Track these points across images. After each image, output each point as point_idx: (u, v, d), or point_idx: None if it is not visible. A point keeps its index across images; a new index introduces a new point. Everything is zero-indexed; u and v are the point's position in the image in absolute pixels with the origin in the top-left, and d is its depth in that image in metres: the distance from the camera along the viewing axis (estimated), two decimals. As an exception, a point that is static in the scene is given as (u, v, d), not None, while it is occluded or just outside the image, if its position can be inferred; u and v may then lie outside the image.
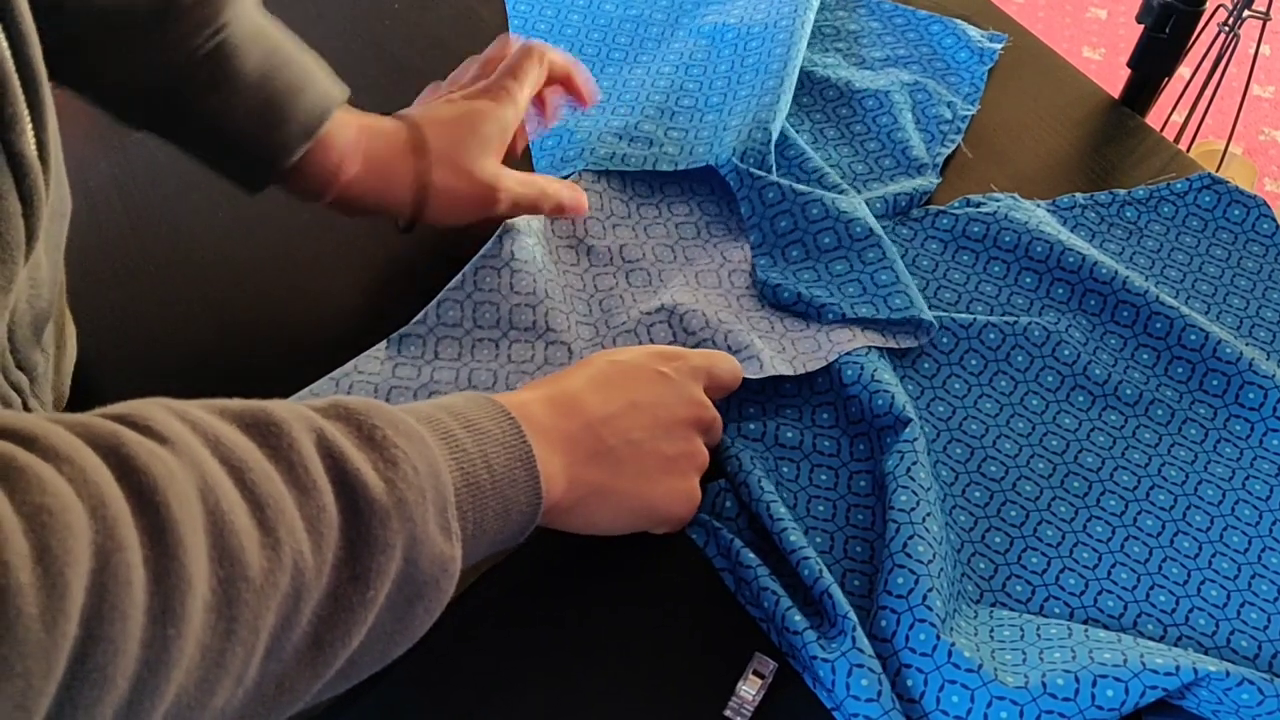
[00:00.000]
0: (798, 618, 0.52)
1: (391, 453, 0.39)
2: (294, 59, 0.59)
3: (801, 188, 0.69)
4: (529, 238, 0.67)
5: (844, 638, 0.51)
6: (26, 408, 0.50)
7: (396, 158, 0.61)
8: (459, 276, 0.65)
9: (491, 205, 0.64)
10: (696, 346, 0.63)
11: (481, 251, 0.66)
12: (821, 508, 0.59)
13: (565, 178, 0.73)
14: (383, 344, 0.63)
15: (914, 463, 0.57)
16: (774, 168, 0.71)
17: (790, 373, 0.61)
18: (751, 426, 0.61)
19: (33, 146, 0.42)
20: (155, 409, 0.35)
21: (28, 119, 0.42)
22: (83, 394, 0.60)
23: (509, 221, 0.68)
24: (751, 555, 0.55)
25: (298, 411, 0.39)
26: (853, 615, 0.52)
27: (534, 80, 0.65)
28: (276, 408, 0.38)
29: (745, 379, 0.61)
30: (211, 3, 0.56)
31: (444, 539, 0.40)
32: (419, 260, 0.69)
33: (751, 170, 0.69)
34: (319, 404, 0.40)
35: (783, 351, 0.63)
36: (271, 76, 0.57)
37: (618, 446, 0.51)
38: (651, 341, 0.65)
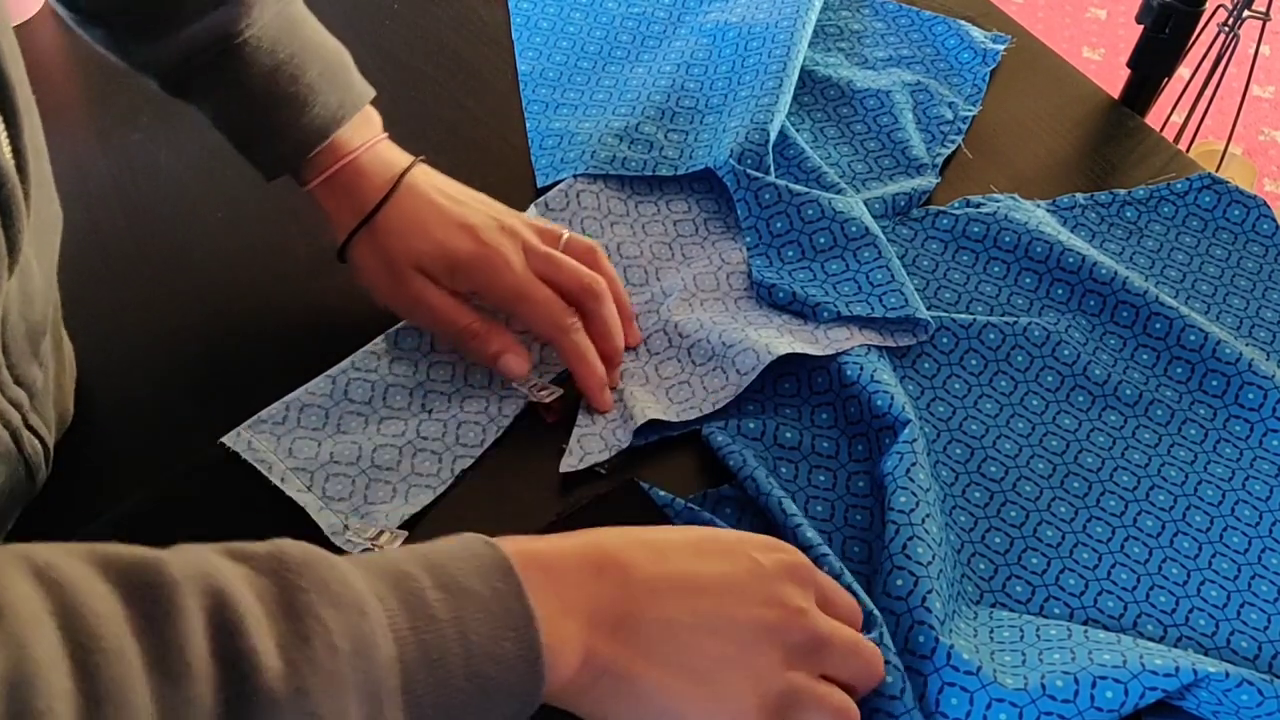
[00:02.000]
0: None
1: (307, 625, 0.33)
2: (306, 70, 0.59)
3: (798, 188, 0.69)
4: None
5: (869, 634, 0.51)
6: (27, 425, 0.49)
7: (346, 210, 0.61)
8: None
9: (406, 312, 0.62)
10: (691, 349, 0.64)
11: None
12: (820, 508, 0.59)
13: (564, 178, 0.73)
14: (380, 339, 0.63)
15: (913, 463, 0.57)
16: (772, 168, 0.71)
17: (788, 350, 0.61)
18: (751, 426, 0.61)
19: (9, 155, 0.42)
20: (8, 566, 0.30)
21: (2, 128, 0.42)
22: (81, 402, 0.60)
23: None
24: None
25: (203, 568, 0.33)
26: (878, 613, 0.51)
27: (555, 313, 0.59)
28: (175, 563, 0.33)
29: (744, 374, 0.61)
30: (231, 7, 0.57)
31: None
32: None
33: (749, 171, 0.69)
34: (256, 549, 0.35)
35: (780, 336, 0.63)
36: (274, 90, 0.58)
37: (656, 628, 0.41)
38: (647, 348, 0.65)
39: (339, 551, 0.54)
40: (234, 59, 0.58)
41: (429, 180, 0.62)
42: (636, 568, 0.42)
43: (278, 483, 0.56)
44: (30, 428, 0.50)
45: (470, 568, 0.38)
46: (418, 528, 0.57)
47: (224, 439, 0.58)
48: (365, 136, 0.62)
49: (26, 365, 0.48)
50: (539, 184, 0.73)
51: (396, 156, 0.62)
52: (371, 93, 0.63)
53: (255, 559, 0.35)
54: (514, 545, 0.40)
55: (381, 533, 0.55)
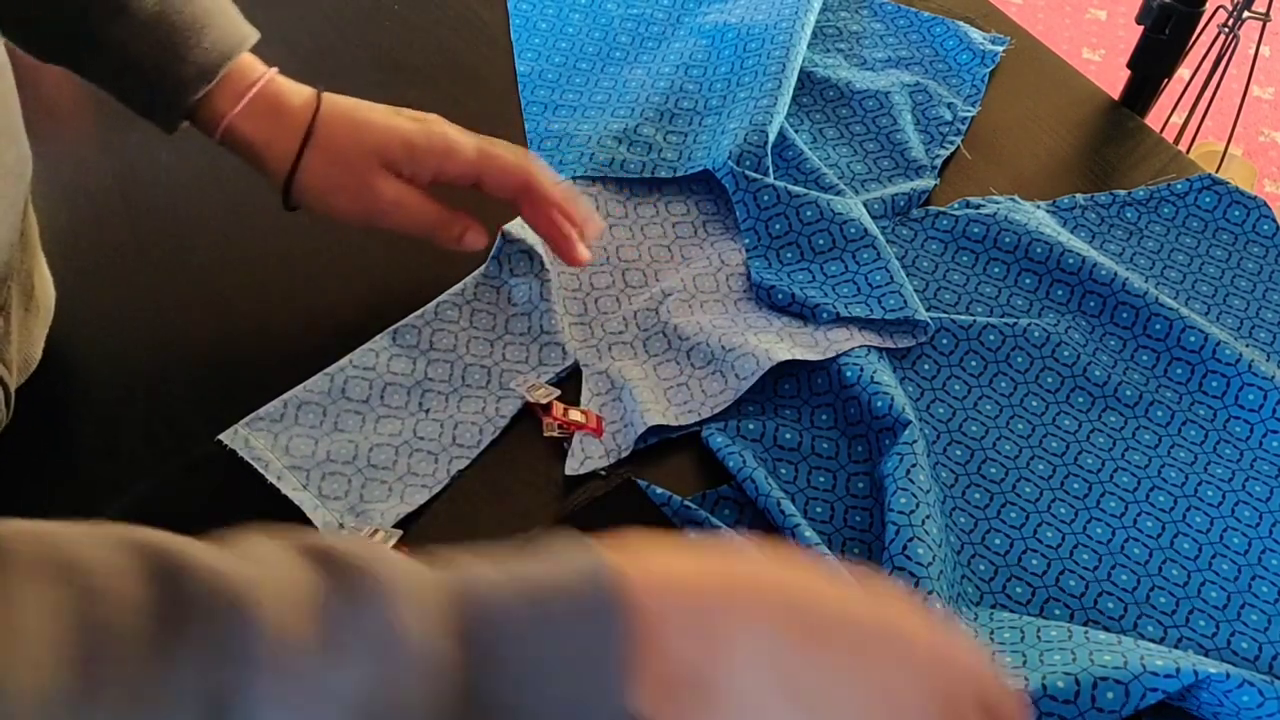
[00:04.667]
0: None
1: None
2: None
3: (797, 190, 0.69)
4: (527, 244, 0.67)
5: None
6: None
7: (280, 132, 0.58)
8: (459, 285, 0.66)
9: (370, 213, 0.59)
10: (690, 351, 0.63)
11: (481, 270, 0.66)
12: (819, 509, 0.59)
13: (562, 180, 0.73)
14: (380, 336, 0.63)
15: (913, 465, 0.57)
16: (771, 170, 0.71)
17: (788, 356, 0.61)
18: (750, 427, 0.61)
19: None
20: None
21: None
22: (81, 401, 0.60)
23: (506, 228, 0.68)
24: (751, 556, 0.55)
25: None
26: None
27: (482, 156, 0.59)
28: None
29: (743, 378, 0.61)
30: None
31: None
32: (419, 262, 0.69)
33: (747, 173, 0.69)
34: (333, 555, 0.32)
35: (780, 342, 0.63)
36: (169, 13, 0.55)
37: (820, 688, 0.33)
38: (646, 349, 0.64)
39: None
40: None
41: (339, 96, 0.61)
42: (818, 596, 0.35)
43: (274, 480, 0.56)
44: None
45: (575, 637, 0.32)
46: (413, 527, 0.57)
47: (221, 436, 0.58)
48: (263, 66, 0.59)
49: None
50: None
51: (293, 82, 0.60)
52: (256, 32, 0.60)
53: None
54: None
55: (376, 531, 0.55)
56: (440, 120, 0.60)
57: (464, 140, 0.59)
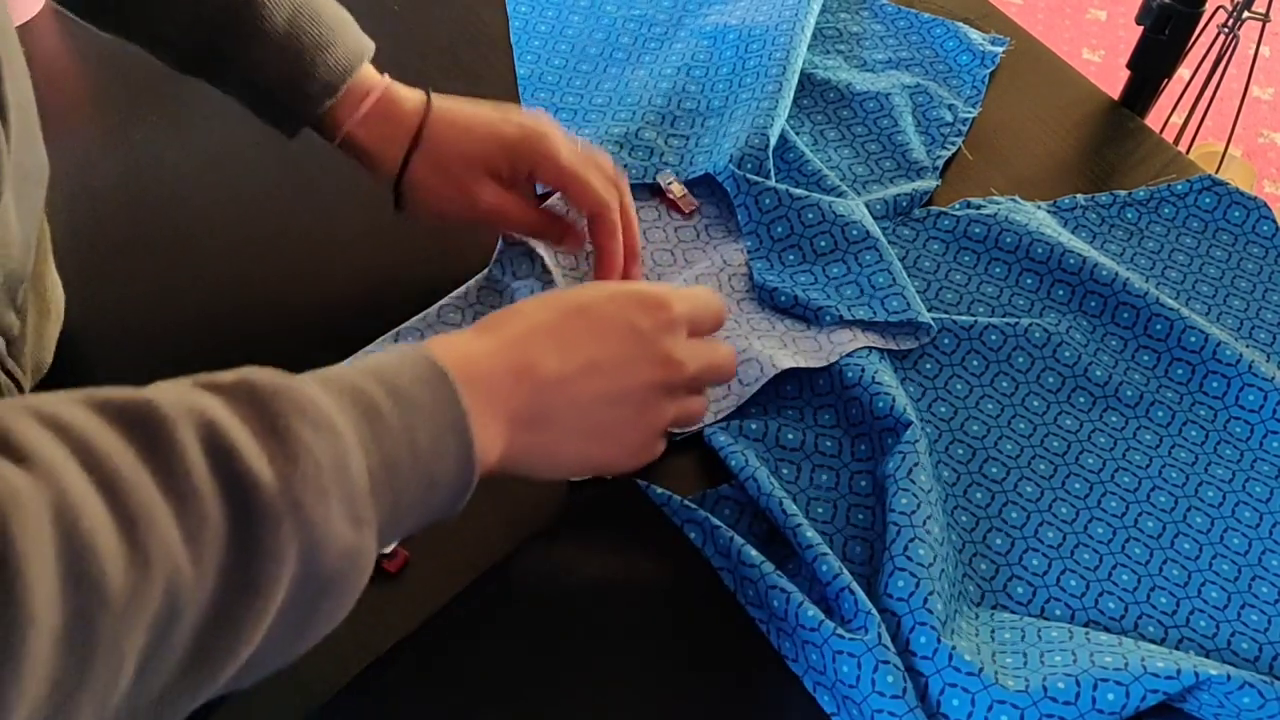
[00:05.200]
0: (811, 613, 0.52)
1: (293, 448, 0.36)
2: (322, 14, 0.60)
3: (798, 192, 0.69)
4: (528, 246, 0.67)
5: (868, 634, 0.51)
6: (4, 369, 0.50)
7: (391, 139, 0.61)
8: (462, 288, 0.66)
9: (471, 218, 0.63)
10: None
11: (484, 273, 0.66)
12: (821, 509, 0.59)
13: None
14: (381, 338, 0.63)
15: (915, 464, 0.57)
16: (772, 172, 0.71)
17: (791, 364, 0.61)
18: (753, 426, 0.61)
19: None
20: (19, 417, 0.33)
21: None
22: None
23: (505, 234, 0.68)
24: (754, 554, 0.55)
25: (188, 401, 0.36)
26: (875, 613, 0.51)
27: (570, 174, 0.62)
28: (163, 399, 0.35)
29: (746, 385, 0.61)
30: None
31: (353, 531, 0.38)
32: (422, 265, 0.69)
33: (748, 176, 0.69)
34: (225, 380, 0.38)
35: (784, 348, 0.63)
36: (298, 33, 0.59)
37: (565, 411, 0.48)
38: None
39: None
40: (252, 10, 0.58)
41: (451, 99, 0.64)
42: (548, 369, 0.47)
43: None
44: (7, 372, 0.50)
45: (418, 379, 0.42)
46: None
47: None
48: (378, 75, 0.63)
49: (3, 311, 0.49)
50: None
51: (406, 88, 0.64)
52: (372, 44, 0.64)
53: (230, 390, 0.37)
54: (448, 354, 0.44)
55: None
56: (548, 123, 0.63)
57: (561, 151, 0.62)
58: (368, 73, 0.62)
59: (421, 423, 0.41)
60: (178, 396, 0.36)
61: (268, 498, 0.35)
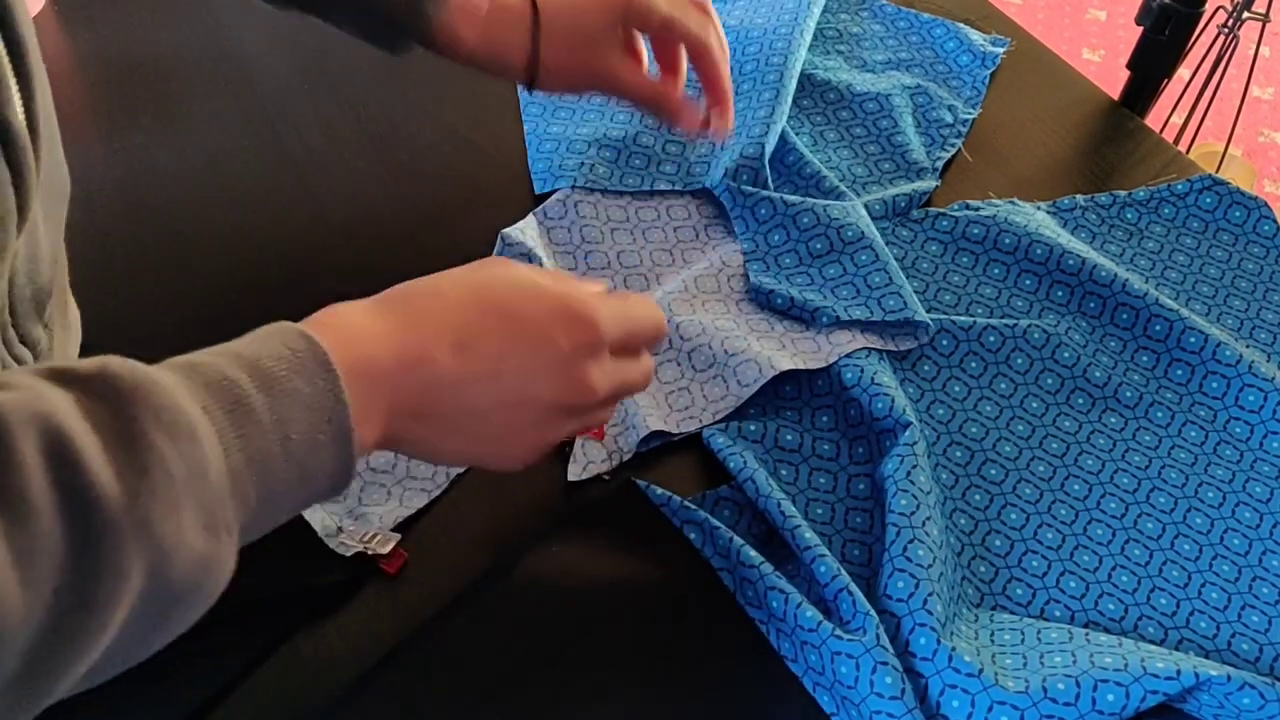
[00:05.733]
0: (810, 613, 0.52)
1: (144, 458, 0.34)
2: None
3: (793, 199, 0.69)
4: (526, 247, 0.67)
5: (866, 635, 0.51)
6: None
7: (513, 37, 0.61)
8: None
9: (598, 87, 0.64)
10: (692, 353, 0.63)
11: None
12: (820, 510, 0.59)
13: (560, 188, 0.73)
14: None
15: (914, 466, 0.57)
16: (769, 180, 0.71)
17: (790, 366, 0.61)
18: (752, 428, 0.61)
19: (21, 116, 0.43)
20: None
21: (15, 89, 0.43)
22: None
23: (505, 232, 0.68)
24: (753, 554, 0.55)
25: (35, 404, 0.34)
26: (874, 614, 0.51)
27: (707, 30, 0.63)
28: (6, 403, 0.33)
29: (745, 385, 0.61)
30: None
31: (207, 540, 0.36)
32: (420, 265, 0.69)
33: (744, 188, 0.69)
34: (83, 370, 0.36)
35: (783, 349, 0.63)
36: None
37: (454, 411, 0.46)
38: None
39: (333, 555, 0.54)
40: None
41: None
42: (443, 366, 0.44)
43: (275, 486, 0.56)
44: None
45: (291, 365, 0.40)
46: (412, 530, 0.57)
47: None
48: None
49: (32, 326, 0.49)
50: (536, 190, 0.73)
51: None
52: None
53: (86, 383, 0.35)
54: (330, 331, 0.42)
55: (375, 535, 0.55)
56: None
57: (658, 2, 0.62)
58: None
59: (297, 415, 0.39)
60: (24, 398, 0.34)
61: (111, 514, 0.33)
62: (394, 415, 0.44)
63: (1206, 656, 0.55)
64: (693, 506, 0.57)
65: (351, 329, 0.43)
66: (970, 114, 0.80)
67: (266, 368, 0.39)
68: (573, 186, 0.73)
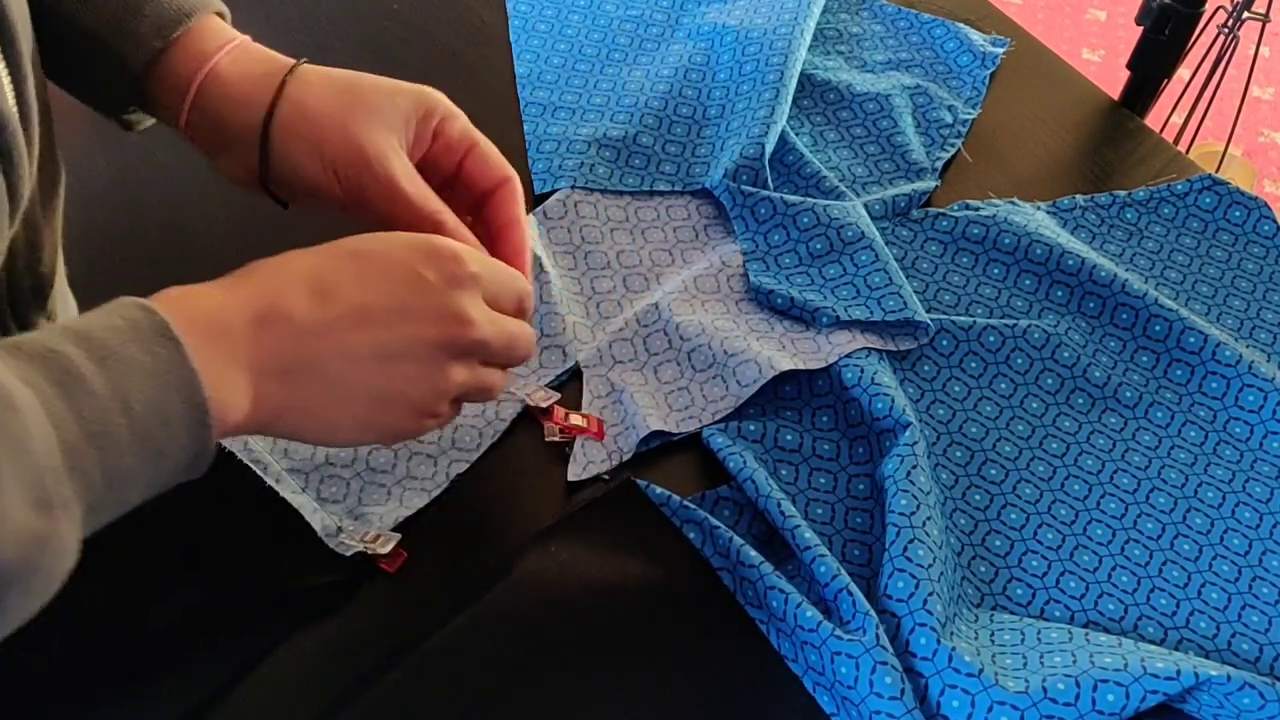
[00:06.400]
0: (809, 613, 0.52)
1: None
2: None
3: (793, 199, 0.69)
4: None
5: (866, 635, 0.51)
6: None
7: (256, 86, 0.50)
8: None
9: (365, 177, 0.50)
10: (691, 354, 0.63)
11: None
12: (820, 511, 0.59)
13: (559, 188, 0.72)
14: None
15: (914, 466, 0.57)
16: (769, 180, 0.71)
17: (790, 367, 0.61)
18: (751, 428, 0.61)
19: (11, 103, 0.42)
20: None
21: (6, 76, 0.42)
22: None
23: None
24: (753, 554, 0.55)
25: None
26: (874, 614, 0.51)
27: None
28: None
29: (744, 385, 0.61)
30: None
31: (38, 516, 0.34)
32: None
33: (744, 188, 0.69)
34: None
35: (782, 350, 0.63)
36: None
37: (331, 362, 0.43)
38: (646, 348, 0.64)
39: (333, 555, 0.54)
40: None
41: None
42: (302, 313, 0.42)
43: (273, 483, 0.56)
44: None
45: (127, 335, 0.38)
46: (412, 530, 0.57)
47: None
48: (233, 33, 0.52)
49: (35, 317, 0.48)
50: (536, 190, 0.73)
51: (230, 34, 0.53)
52: (223, 6, 0.54)
53: None
54: (174, 304, 0.39)
55: (377, 536, 0.55)
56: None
57: (459, 112, 0.55)
58: (214, 25, 0.51)
59: (137, 386, 0.37)
60: None
61: None
62: (260, 375, 0.41)
63: (1206, 656, 0.55)
64: (693, 506, 0.57)
65: (196, 296, 0.41)
66: (970, 114, 0.80)
67: (99, 339, 0.37)
68: (572, 186, 0.73)
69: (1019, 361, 0.66)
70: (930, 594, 0.52)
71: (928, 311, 0.67)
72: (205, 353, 0.39)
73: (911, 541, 0.54)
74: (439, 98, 0.54)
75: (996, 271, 0.70)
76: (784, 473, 0.60)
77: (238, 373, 0.41)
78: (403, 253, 0.44)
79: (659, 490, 0.58)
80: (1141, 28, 0.86)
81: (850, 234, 0.67)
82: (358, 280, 0.43)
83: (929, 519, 0.55)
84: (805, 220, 0.68)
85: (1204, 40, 1.06)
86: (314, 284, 0.43)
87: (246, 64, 0.51)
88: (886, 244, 0.70)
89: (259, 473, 0.56)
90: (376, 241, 0.45)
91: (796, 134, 0.77)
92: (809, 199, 0.69)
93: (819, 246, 0.68)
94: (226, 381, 0.40)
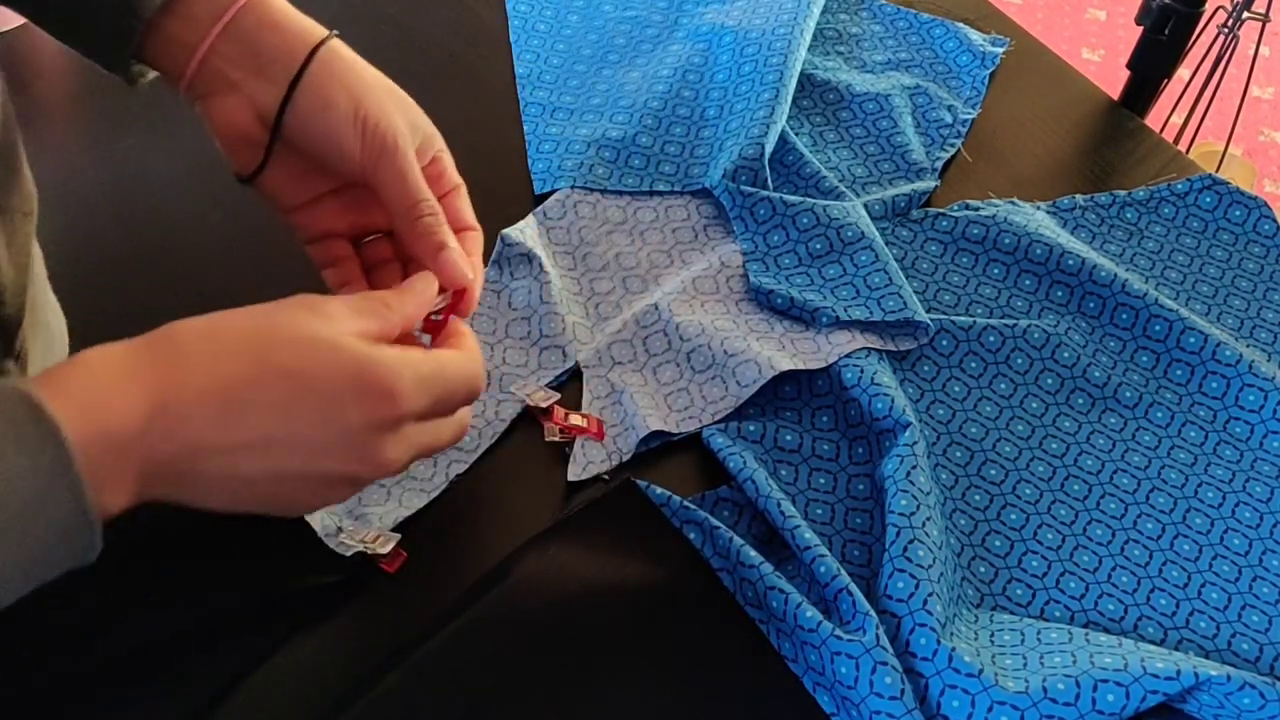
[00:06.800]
0: (809, 613, 0.52)
1: None
2: None
3: (792, 199, 0.69)
4: (526, 247, 0.67)
5: (866, 635, 0.51)
6: None
7: (301, 21, 0.48)
8: None
9: (390, 143, 0.49)
10: (691, 354, 0.63)
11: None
12: (820, 511, 0.59)
13: (559, 189, 0.72)
14: None
15: (914, 466, 0.57)
16: (769, 181, 0.71)
17: (790, 367, 0.61)
18: (751, 428, 0.61)
19: None
20: None
21: None
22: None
23: (505, 232, 0.68)
24: (753, 554, 0.55)
25: None
26: (874, 614, 0.51)
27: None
28: None
29: (744, 386, 0.61)
30: None
31: None
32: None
33: (743, 189, 0.69)
34: None
35: (782, 350, 0.63)
36: None
37: (216, 478, 0.41)
38: (646, 348, 0.64)
39: (333, 555, 0.54)
40: None
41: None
42: (202, 437, 0.40)
43: (274, 486, 0.56)
44: None
45: (12, 435, 0.36)
46: (411, 530, 0.57)
47: None
48: None
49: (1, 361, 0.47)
50: (536, 190, 0.73)
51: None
52: None
53: None
54: (69, 402, 0.37)
55: (377, 536, 0.55)
56: None
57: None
58: None
59: (19, 488, 0.35)
60: None
61: None
62: (147, 481, 0.40)
63: (1206, 656, 0.55)
64: (693, 506, 0.57)
65: (97, 389, 0.38)
66: (970, 114, 0.80)
67: None
68: (572, 187, 0.73)
69: (1019, 361, 0.66)
70: (930, 594, 0.52)
71: (928, 311, 0.67)
72: (92, 454, 0.37)
73: (911, 542, 0.54)
74: (440, 137, 0.54)
75: (996, 271, 0.70)
76: (784, 473, 0.60)
77: (123, 478, 0.39)
78: (334, 382, 0.41)
79: (659, 490, 0.58)
80: (1141, 27, 0.86)
81: (850, 234, 0.67)
82: (274, 407, 0.40)
83: (929, 519, 0.55)
84: (805, 220, 0.68)
85: (1204, 40, 1.06)
86: (225, 399, 0.40)
87: (286, 6, 0.50)
88: (886, 244, 0.70)
89: (259, 473, 0.56)
90: (313, 360, 0.41)
91: (796, 134, 0.77)
92: (809, 199, 0.69)
93: (819, 247, 0.68)
94: (113, 485, 0.39)
